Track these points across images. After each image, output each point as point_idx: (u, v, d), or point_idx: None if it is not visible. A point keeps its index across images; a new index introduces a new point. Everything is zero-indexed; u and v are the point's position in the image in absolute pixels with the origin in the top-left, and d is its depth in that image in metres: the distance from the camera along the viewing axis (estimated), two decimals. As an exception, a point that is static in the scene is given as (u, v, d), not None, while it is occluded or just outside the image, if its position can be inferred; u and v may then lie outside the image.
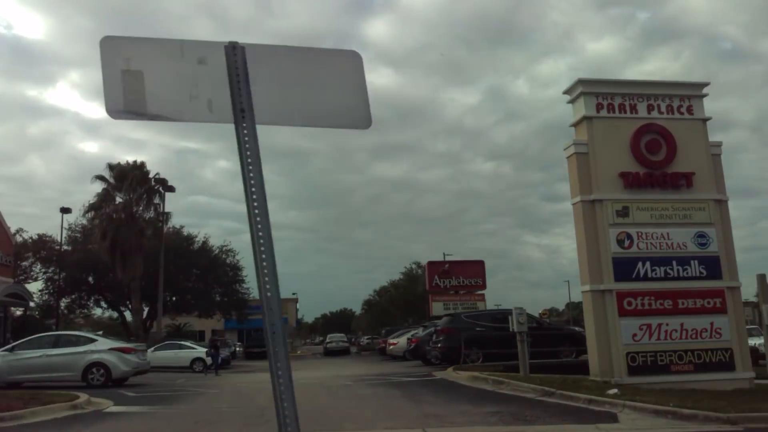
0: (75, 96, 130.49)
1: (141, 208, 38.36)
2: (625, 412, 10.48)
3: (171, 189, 40.40)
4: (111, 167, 38.82)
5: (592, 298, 14.11)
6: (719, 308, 14.19)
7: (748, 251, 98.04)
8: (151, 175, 39.41)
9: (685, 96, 15.12)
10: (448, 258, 44.87)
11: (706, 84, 15.34)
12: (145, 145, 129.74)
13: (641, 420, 9.99)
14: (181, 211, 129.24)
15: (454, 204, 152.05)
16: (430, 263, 39.88)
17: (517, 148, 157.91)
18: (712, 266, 14.39)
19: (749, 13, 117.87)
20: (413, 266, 62.97)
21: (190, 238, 47.94)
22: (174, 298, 47.63)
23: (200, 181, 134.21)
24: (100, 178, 38.08)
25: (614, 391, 11.81)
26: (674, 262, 14.26)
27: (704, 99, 15.30)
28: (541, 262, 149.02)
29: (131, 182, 37.71)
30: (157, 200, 39.68)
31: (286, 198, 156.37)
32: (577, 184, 14.60)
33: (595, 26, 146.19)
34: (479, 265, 38.61)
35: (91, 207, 38.51)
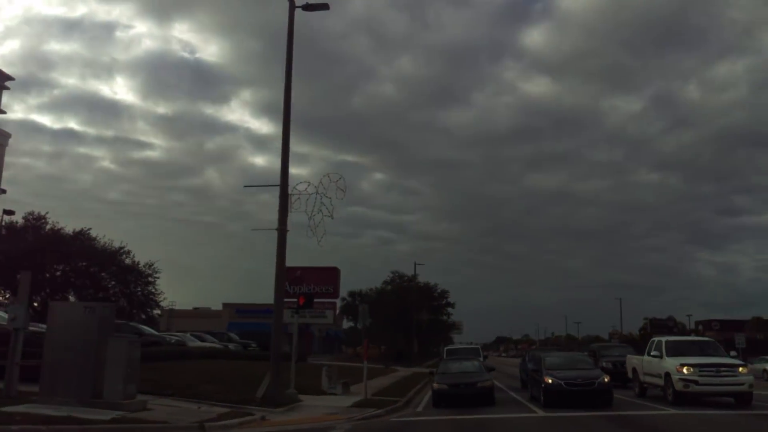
0: (246, 113, 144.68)
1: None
2: None
3: None
4: None
5: None
6: None
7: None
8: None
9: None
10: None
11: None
12: (308, 158, 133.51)
13: None
14: (340, 221, 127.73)
15: (615, 217, 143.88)
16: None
17: (686, 157, 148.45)
18: None
19: None
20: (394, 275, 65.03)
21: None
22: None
23: (357, 193, 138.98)
24: None
25: None
26: None
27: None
28: (714, 280, 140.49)
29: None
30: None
31: (437, 209, 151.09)
32: None
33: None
34: (333, 272, 36.88)
35: None
